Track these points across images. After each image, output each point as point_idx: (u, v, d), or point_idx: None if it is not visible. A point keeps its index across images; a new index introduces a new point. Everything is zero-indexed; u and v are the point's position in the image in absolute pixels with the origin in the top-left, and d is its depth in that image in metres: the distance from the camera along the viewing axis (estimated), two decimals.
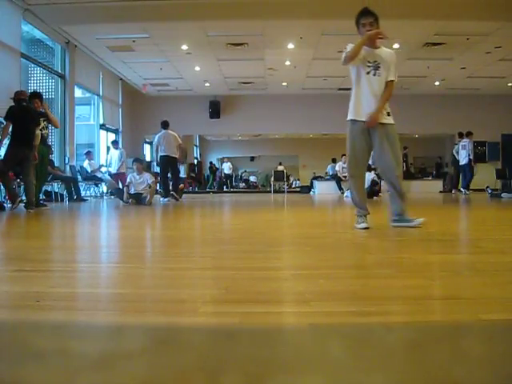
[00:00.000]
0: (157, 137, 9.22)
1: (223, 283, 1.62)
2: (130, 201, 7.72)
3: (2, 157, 6.16)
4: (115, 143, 12.17)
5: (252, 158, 26.09)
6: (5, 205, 6.41)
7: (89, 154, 11.00)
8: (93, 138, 13.03)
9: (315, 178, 16.06)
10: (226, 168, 20.55)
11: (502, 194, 10.77)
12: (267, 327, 1.11)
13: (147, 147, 16.92)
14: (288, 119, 16.37)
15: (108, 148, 12.60)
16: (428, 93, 15.86)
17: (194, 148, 22.69)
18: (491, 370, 0.84)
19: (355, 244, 2.85)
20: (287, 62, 12.59)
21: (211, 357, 0.90)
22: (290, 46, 11.25)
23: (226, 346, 0.98)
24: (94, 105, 13.04)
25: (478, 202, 8.69)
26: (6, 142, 6.03)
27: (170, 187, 9.51)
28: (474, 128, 12.78)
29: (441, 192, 14.41)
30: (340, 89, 14.57)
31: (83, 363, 0.87)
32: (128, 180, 8.05)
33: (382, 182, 13.11)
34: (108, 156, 12.05)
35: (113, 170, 11.50)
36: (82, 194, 9.88)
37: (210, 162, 22.71)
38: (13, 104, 6.14)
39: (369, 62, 3.34)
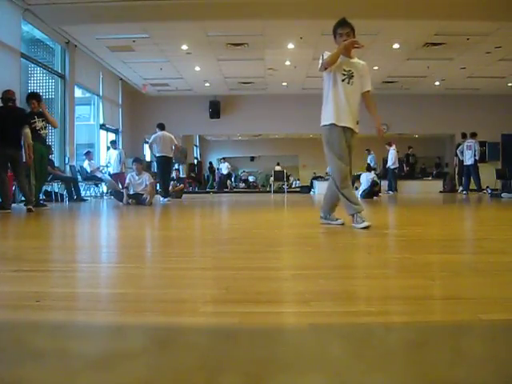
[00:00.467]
0: (153, 136, 9.35)
1: (223, 283, 1.62)
2: (130, 201, 7.73)
3: None
4: (114, 143, 12.18)
5: (252, 158, 26.09)
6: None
7: (88, 154, 11.01)
8: (93, 138, 13.03)
9: (315, 177, 16.07)
10: (224, 168, 20.60)
11: (502, 194, 10.77)
12: (267, 327, 1.11)
13: (147, 147, 16.91)
14: (288, 119, 16.36)
15: (108, 148, 12.61)
16: (428, 93, 15.86)
17: (194, 148, 22.69)
18: (491, 370, 0.84)
19: (355, 244, 2.85)
20: (287, 62, 12.59)
21: (211, 357, 0.89)
22: (290, 45, 11.25)
23: (225, 346, 0.98)
24: (94, 105, 13.04)
25: (477, 203, 8.69)
26: None
27: (170, 187, 9.62)
28: (473, 128, 12.78)
29: (441, 192, 14.41)
30: None
31: (83, 363, 0.87)
32: (127, 181, 8.06)
33: (382, 182, 13.17)
34: (106, 156, 12.07)
35: (112, 170, 11.51)
36: (82, 194, 9.89)
37: (210, 163, 22.71)
38: (1, 104, 6.15)
39: (344, 70, 3.52)
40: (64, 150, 10.74)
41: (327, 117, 3.57)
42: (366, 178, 10.93)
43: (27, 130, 6.20)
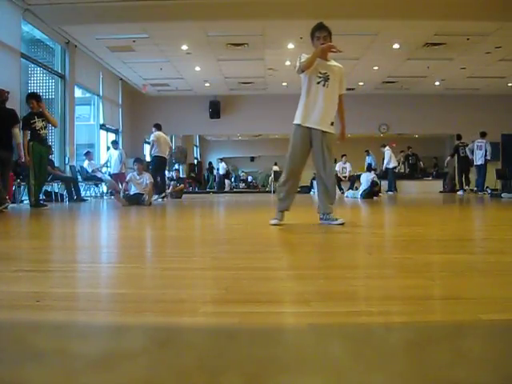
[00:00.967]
0: (155, 134, 9.41)
1: (223, 283, 1.62)
2: (127, 203, 7.60)
3: None
4: (115, 143, 12.18)
5: (252, 158, 26.09)
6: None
7: (88, 155, 11.01)
8: (93, 138, 13.03)
9: (315, 178, 16.05)
10: (221, 168, 20.64)
11: (502, 194, 10.77)
12: (267, 327, 1.11)
13: (147, 147, 16.91)
14: (288, 119, 16.20)
15: (108, 148, 12.61)
16: (428, 93, 15.86)
17: (194, 148, 22.70)
18: (491, 371, 0.84)
19: (355, 244, 2.85)
20: (287, 62, 12.59)
21: (211, 357, 0.89)
22: (290, 46, 11.25)
23: (226, 346, 0.98)
24: (94, 105, 13.04)
25: (477, 203, 8.69)
26: None
27: (171, 187, 9.77)
28: (473, 128, 12.80)
29: (441, 192, 14.41)
30: None
31: (83, 363, 0.87)
32: (128, 178, 8.08)
33: (382, 183, 13.18)
34: (107, 156, 12.07)
35: (112, 170, 11.51)
36: (82, 194, 9.89)
37: (210, 163, 22.72)
38: None
39: (320, 72, 3.64)
40: (64, 150, 10.74)
41: (296, 116, 3.76)
42: (366, 178, 10.93)
43: (17, 131, 6.21)
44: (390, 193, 13.22)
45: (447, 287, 1.56)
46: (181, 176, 15.65)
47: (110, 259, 2.36)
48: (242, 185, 23.71)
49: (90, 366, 0.86)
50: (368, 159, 15.07)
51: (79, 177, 10.45)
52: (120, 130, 14.65)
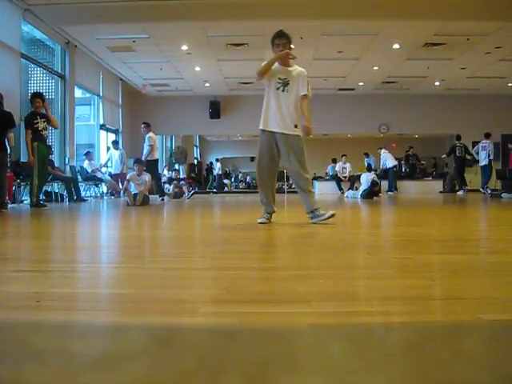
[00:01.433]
0: (151, 137, 9.46)
1: (223, 283, 1.62)
2: (135, 201, 7.63)
3: None
4: (115, 143, 12.17)
5: (252, 159, 26.07)
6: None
7: (88, 155, 11.00)
8: (93, 138, 13.02)
9: (315, 178, 16.05)
10: (217, 168, 20.68)
11: (502, 194, 10.77)
12: (267, 327, 1.11)
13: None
14: None
15: (108, 148, 12.60)
16: (428, 93, 15.86)
17: (194, 148, 22.70)
18: (491, 371, 0.84)
19: (355, 244, 2.85)
20: None
21: (211, 357, 0.89)
22: (291, 46, 11.23)
23: (226, 346, 0.98)
24: (94, 105, 13.03)
25: (477, 203, 8.69)
26: None
27: (171, 187, 9.85)
28: (474, 128, 12.81)
29: (441, 192, 14.41)
30: (340, 89, 14.55)
31: (83, 363, 0.87)
32: (128, 176, 8.10)
33: (383, 183, 13.18)
34: (107, 156, 12.07)
35: (114, 170, 11.50)
36: (82, 194, 9.89)
37: (210, 163, 22.72)
38: None
39: (279, 78, 3.76)
40: (64, 151, 10.74)
41: (260, 122, 3.89)
42: (366, 179, 10.93)
43: (11, 135, 6.21)
44: (391, 193, 13.22)
45: (447, 287, 1.56)
46: (181, 176, 15.65)
47: (110, 259, 2.36)
48: (242, 185, 23.70)
49: (90, 366, 0.86)
50: (367, 161, 15.08)
51: (79, 177, 10.45)
52: (120, 130, 14.64)
